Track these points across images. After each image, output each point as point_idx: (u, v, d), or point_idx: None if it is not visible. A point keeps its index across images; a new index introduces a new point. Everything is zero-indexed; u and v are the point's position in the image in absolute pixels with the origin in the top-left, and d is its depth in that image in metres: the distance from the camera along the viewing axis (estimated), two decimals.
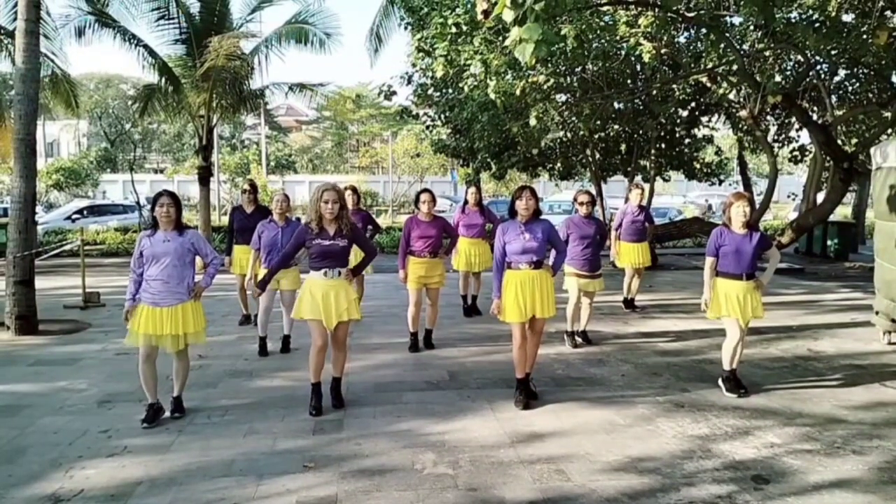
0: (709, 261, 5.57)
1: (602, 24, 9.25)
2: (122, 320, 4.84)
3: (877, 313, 7.43)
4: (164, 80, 16.05)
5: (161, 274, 4.72)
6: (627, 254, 8.96)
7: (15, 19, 9.06)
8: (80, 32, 15.21)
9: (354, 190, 8.41)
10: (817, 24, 7.93)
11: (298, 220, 7.48)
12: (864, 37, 8.26)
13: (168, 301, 4.72)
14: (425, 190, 7.05)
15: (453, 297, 8.98)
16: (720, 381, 5.64)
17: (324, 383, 5.14)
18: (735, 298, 5.35)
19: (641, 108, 13.10)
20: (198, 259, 5.04)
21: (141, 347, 4.77)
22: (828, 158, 10.40)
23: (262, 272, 6.63)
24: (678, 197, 39.00)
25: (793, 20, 8.70)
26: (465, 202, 8.75)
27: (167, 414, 4.98)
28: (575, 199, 7.25)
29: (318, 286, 4.97)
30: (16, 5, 9.32)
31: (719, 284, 5.46)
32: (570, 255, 6.91)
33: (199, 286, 4.91)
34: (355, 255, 5.84)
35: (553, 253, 5.48)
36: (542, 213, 5.38)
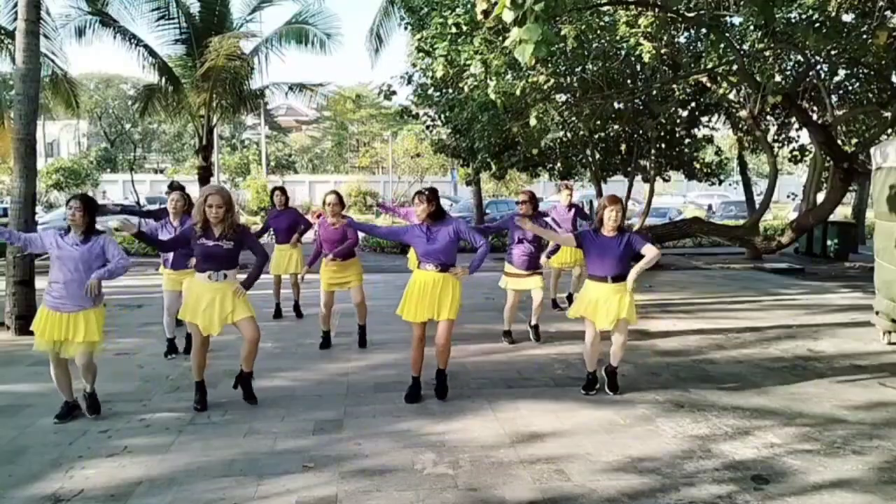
0: (565, 236, 5.81)
1: (602, 24, 9.27)
2: None
3: (877, 313, 7.43)
4: (164, 80, 16.06)
5: (63, 279, 4.66)
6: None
7: (15, 19, 9.06)
8: (80, 32, 15.23)
9: (283, 191, 8.64)
10: (817, 24, 7.93)
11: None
12: (865, 37, 8.27)
13: (68, 307, 4.66)
14: (333, 192, 6.82)
15: None
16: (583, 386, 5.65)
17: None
18: (595, 301, 5.31)
19: (641, 108, 13.09)
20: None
21: (49, 354, 4.76)
22: (828, 158, 10.41)
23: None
24: (678, 197, 39.03)
25: (793, 20, 8.70)
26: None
27: (84, 413, 4.98)
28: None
29: (202, 289, 4.93)
30: (16, 5, 9.33)
31: (588, 285, 5.43)
32: (509, 251, 7.28)
33: (91, 282, 4.63)
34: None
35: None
36: (445, 215, 5.40)
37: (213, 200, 4.84)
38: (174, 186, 8.31)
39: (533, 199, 7.22)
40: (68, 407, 4.94)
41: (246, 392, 5.29)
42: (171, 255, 6.58)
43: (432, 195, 5.32)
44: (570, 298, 9.34)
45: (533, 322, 7.44)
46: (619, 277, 5.28)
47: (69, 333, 4.66)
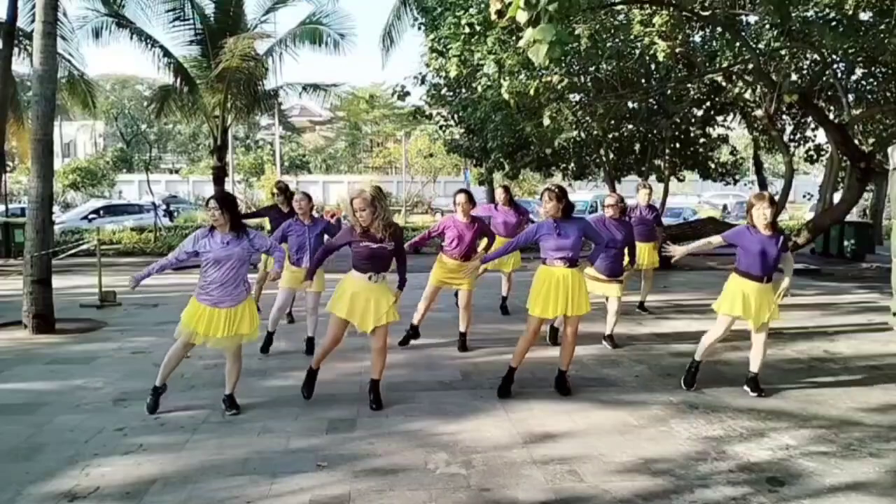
0: (716, 239, 5.51)
1: (616, 23, 9.24)
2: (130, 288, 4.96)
3: (894, 314, 7.36)
4: (179, 80, 16.20)
5: (221, 277, 4.74)
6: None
7: (33, 21, 9.16)
8: (96, 34, 15.41)
9: (283, 189, 8.02)
10: (834, 23, 7.86)
11: (322, 216, 7.44)
12: (882, 35, 8.18)
13: (227, 303, 4.77)
14: (462, 191, 6.79)
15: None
16: (683, 379, 5.68)
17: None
18: (751, 300, 5.26)
19: (656, 107, 13.04)
20: None
21: (183, 337, 4.84)
22: (844, 158, 10.31)
23: (292, 270, 6.65)
24: (693, 197, 38.77)
25: (809, 19, 8.63)
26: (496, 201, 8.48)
27: (225, 412, 5.06)
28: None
29: (360, 288, 4.98)
30: (34, 7, 9.44)
31: (737, 283, 5.37)
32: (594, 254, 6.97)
33: (275, 271, 5.22)
34: None
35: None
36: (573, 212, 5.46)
37: (356, 205, 4.85)
38: (283, 187, 8.08)
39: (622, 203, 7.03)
40: (158, 393, 5.03)
41: (374, 396, 5.21)
42: (303, 254, 6.67)
43: (562, 193, 5.33)
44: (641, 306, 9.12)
45: (609, 332, 7.19)
46: (771, 278, 5.30)
47: (224, 329, 4.76)
